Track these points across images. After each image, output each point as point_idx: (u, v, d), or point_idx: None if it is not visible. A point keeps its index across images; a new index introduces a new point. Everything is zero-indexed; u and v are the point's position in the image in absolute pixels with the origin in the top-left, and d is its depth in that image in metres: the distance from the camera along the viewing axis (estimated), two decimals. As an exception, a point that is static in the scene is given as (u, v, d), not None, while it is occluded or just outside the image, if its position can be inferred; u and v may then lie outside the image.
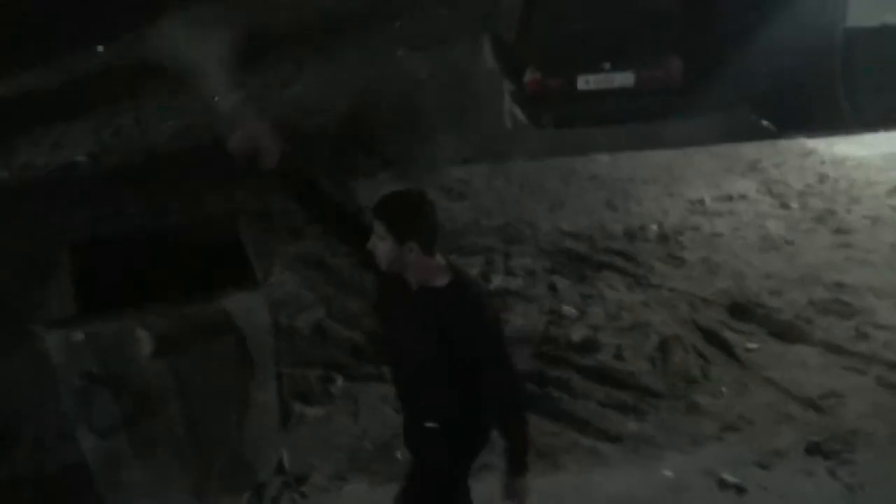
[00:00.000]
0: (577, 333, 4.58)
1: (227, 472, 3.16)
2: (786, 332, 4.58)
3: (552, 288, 5.12)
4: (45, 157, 8.20)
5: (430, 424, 2.67)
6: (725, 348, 4.51)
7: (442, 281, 2.57)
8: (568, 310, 4.81)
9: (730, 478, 3.65)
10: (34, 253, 5.40)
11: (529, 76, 6.89)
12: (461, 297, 2.57)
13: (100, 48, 11.79)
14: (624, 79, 6.83)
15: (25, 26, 10.40)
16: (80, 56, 10.59)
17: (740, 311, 4.79)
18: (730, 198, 6.18)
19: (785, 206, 6.09)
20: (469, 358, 2.54)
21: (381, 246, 2.53)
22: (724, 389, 4.22)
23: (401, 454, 3.53)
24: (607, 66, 6.81)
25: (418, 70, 10.01)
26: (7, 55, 10.21)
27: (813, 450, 3.79)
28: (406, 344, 2.66)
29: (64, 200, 7.21)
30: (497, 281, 5.23)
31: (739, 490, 3.60)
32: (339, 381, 4.36)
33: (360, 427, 4.03)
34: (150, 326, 2.89)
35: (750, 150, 6.79)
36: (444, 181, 6.89)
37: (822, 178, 6.45)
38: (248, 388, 3.08)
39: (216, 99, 2.76)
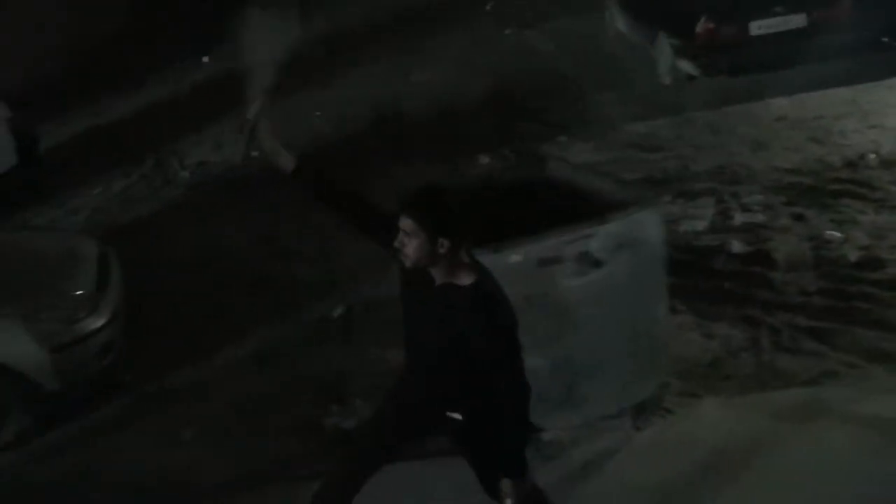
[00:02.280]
0: (853, 254, 4.72)
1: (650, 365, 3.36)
2: None
3: (799, 218, 5.28)
4: (216, 156, 8.51)
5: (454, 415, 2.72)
6: None
7: (466, 280, 2.56)
8: (831, 234, 4.95)
9: None
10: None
11: (702, 26, 7.02)
12: (483, 298, 2.55)
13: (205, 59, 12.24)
14: (797, 20, 6.93)
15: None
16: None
17: None
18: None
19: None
20: (481, 358, 2.55)
21: (411, 243, 2.51)
22: None
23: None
24: (780, 8, 6.92)
25: (540, 45, 10.24)
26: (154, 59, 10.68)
27: None
28: (422, 336, 2.69)
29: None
30: (739, 217, 5.39)
31: None
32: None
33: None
34: (576, 247, 3.09)
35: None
36: (629, 138, 7.09)
37: None
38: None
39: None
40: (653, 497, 3.35)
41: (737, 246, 5.06)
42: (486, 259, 2.98)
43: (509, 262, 3.06)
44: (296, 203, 6.66)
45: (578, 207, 3.52)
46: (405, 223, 2.51)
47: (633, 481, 3.43)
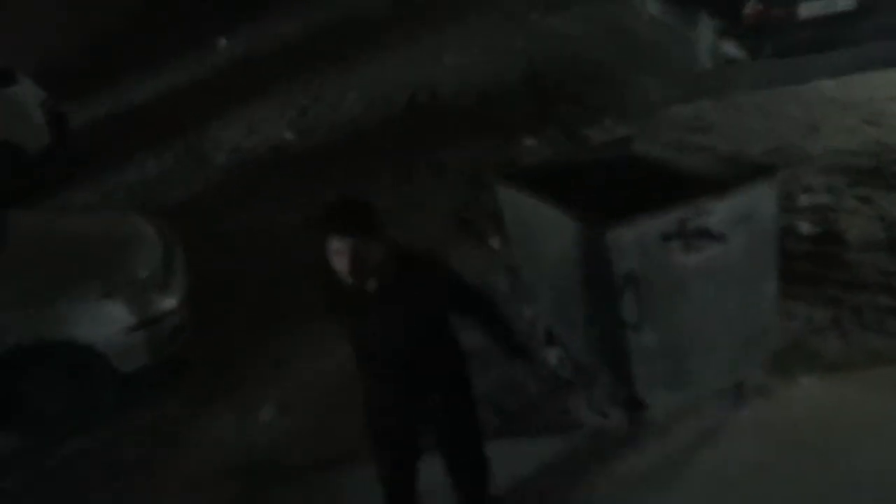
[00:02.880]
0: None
1: (756, 343, 3.35)
2: None
3: (865, 199, 5.26)
4: (248, 140, 8.43)
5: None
6: None
7: (395, 268, 2.71)
8: (902, 215, 4.94)
9: None
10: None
11: (751, 8, 6.97)
12: (421, 274, 2.79)
13: (223, 41, 12.11)
14: (845, 3, 6.90)
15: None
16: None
17: None
18: None
19: None
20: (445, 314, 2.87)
21: (348, 257, 2.59)
22: None
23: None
24: (828, -10, 6.88)
25: (569, 29, 10.17)
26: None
27: None
28: (391, 335, 2.80)
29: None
30: (804, 199, 5.36)
31: None
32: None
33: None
34: (696, 222, 3.05)
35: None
36: (676, 120, 7.05)
37: None
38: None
39: None
40: (757, 475, 3.35)
41: (805, 227, 5.04)
42: (610, 234, 3.00)
43: (631, 237, 3.03)
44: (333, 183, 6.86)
45: (676, 184, 3.51)
46: (338, 244, 2.61)
47: (736, 459, 3.42)
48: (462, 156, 7.14)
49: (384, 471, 3.20)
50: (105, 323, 4.25)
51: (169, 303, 4.43)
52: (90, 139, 8.69)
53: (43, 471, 4.19)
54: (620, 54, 8.83)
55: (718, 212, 3.06)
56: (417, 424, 3.10)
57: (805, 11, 6.97)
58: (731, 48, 7.45)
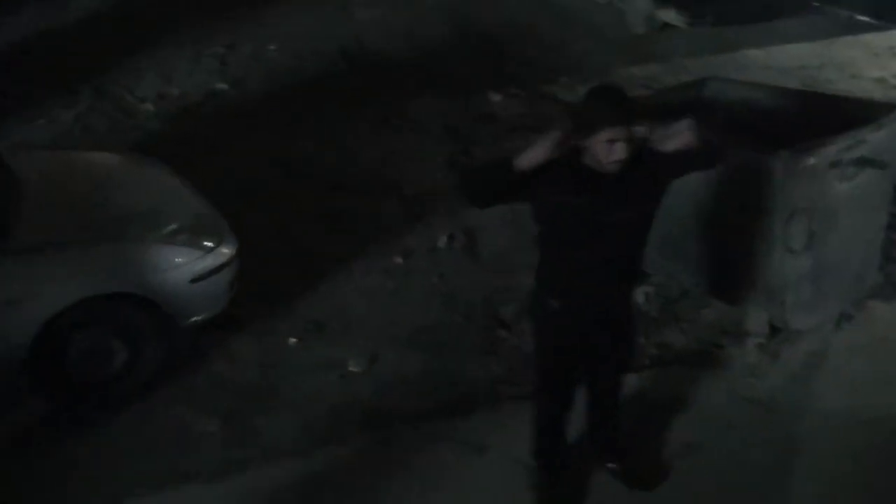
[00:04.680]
0: None
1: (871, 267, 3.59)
2: None
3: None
4: (171, 88, 7.62)
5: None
6: None
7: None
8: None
9: None
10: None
11: (696, -25, 7.40)
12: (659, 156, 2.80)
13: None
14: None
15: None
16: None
17: None
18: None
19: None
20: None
21: (624, 145, 2.67)
22: None
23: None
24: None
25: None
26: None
27: None
28: (617, 228, 2.80)
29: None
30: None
31: None
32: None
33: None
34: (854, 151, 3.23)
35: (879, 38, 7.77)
36: (633, 80, 7.32)
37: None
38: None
39: None
40: (865, 390, 3.65)
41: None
42: (785, 161, 3.10)
43: (805, 164, 3.15)
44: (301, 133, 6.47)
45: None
46: (616, 132, 2.64)
47: (843, 378, 3.71)
48: (428, 110, 7.00)
49: (545, 394, 3.11)
50: (163, 271, 3.73)
51: (227, 251, 3.96)
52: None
53: (102, 438, 3.64)
54: (544, 19, 9.05)
55: (872, 141, 3.29)
56: (592, 342, 3.03)
57: (747, -20, 7.55)
58: (670, 15, 7.88)
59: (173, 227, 3.86)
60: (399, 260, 4.79)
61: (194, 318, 3.87)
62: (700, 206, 3.56)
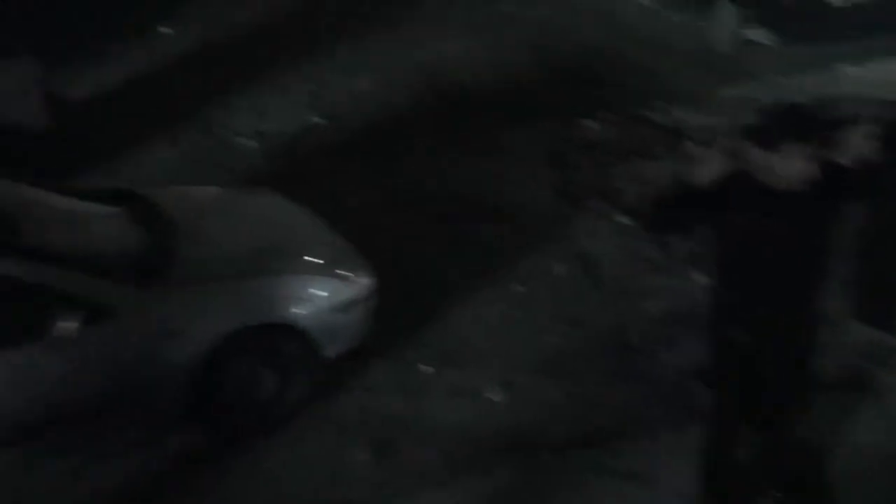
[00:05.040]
0: None
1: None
2: None
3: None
4: (269, 126, 7.84)
5: None
6: None
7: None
8: None
9: None
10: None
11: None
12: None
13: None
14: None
15: None
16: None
17: None
18: None
19: None
20: None
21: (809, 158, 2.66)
22: None
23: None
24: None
25: (554, 18, 10.25)
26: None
27: None
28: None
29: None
30: None
31: None
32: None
33: None
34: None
35: None
36: (732, 102, 7.25)
37: None
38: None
39: None
40: None
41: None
42: None
43: None
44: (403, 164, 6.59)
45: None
46: (804, 149, 2.61)
47: None
48: (524, 138, 7.05)
49: (716, 422, 3.05)
50: (312, 300, 3.83)
51: (367, 282, 4.05)
52: (86, 120, 7.78)
53: (254, 465, 3.73)
54: (626, 44, 9.07)
55: None
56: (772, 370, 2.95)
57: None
58: (758, 33, 7.83)
59: (316, 259, 3.97)
60: (519, 287, 4.83)
61: (337, 348, 3.95)
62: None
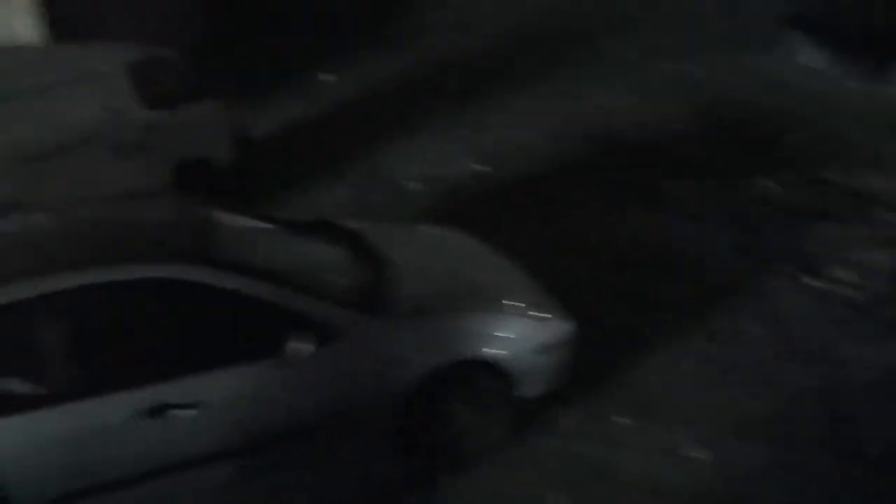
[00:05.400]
0: None
1: None
2: None
3: None
4: (434, 170, 8.08)
5: None
6: None
7: None
8: None
9: None
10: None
11: None
12: None
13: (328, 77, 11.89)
14: None
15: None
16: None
17: None
18: None
19: None
20: None
21: None
22: None
23: None
24: None
25: (712, 77, 10.14)
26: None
27: None
28: None
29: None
30: None
31: None
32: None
33: None
34: None
35: None
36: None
37: None
38: None
39: None
40: None
41: None
42: None
43: None
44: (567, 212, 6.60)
45: None
46: None
47: None
48: (693, 193, 6.93)
49: None
50: (517, 342, 3.84)
51: (567, 326, 4.03)
52: (264, 158, 8.23)
53: (453, 499, 3.73)
54: (795, 104, 8.83)
55: None
56: None
57: None
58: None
59: (520, 299, 3.99)
60: (710, 345, 4.69)
61: (534, 390, 3.93)
62: None
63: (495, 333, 3.79)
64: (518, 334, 3.85)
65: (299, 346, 3.30)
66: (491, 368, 3.78)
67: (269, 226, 4.24)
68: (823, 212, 6.13)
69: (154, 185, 6.57)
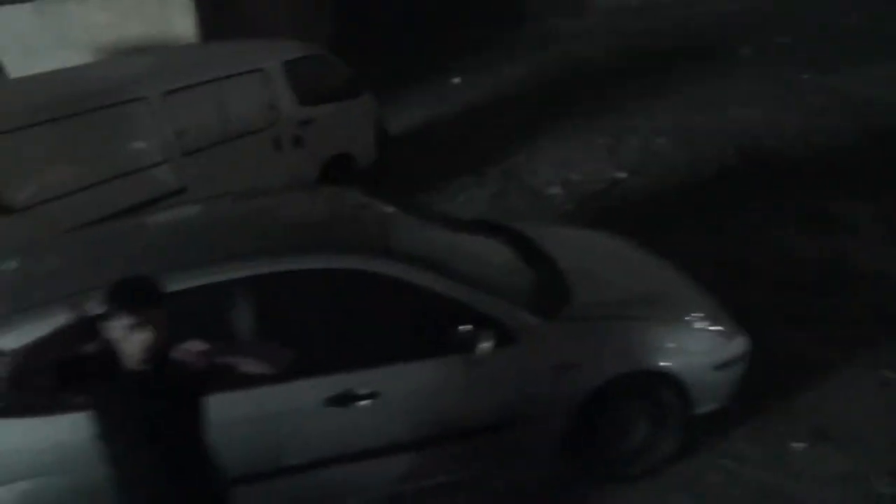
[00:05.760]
0: None
1: None
2: None
3: None
4: (572, 175, 7.99)
5: None
6: None
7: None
8: None
9: None
10: None
11: None
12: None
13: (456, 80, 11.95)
14: None
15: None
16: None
17: None
18: None
19: None
20: None
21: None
22: None
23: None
24: None
25: (861, 91, 9.62)
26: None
27: None
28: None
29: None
30: None
31: None
32: None
33: None
34: None
35: None
36: None
37: None
38: None
39: None
40: None
41: None
42: None
43: None
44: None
45: None
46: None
47: None
48: (863, 211, 6.54)
49: None
50: (697, 356, 3.68)
51: (744, 342, 3.84)
52: (401, 154, 8.32)
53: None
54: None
55: None
56: None
57: None
58: None
59: (699, 312, 3.84)
60: (891, 374, 4.39)
61: (709, 406, 3.78)
62: None
63: (676, 346, 3.65)
64: (699, 348, 3.69)
65: (482, 346, 3.27)
66: (669, 382, 3.64)
67: (437, 222, 4.25)
68: None
69: (305, 179, 6.75)
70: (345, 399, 3.27)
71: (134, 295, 2.40)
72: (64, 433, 3.06)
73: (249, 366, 2.52)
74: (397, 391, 3.32)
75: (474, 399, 3.41)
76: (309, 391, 3.26)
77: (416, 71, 12.00)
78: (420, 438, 3.40)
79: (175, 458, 2.52)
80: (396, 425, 3.37)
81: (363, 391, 3.29)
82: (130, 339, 2.38)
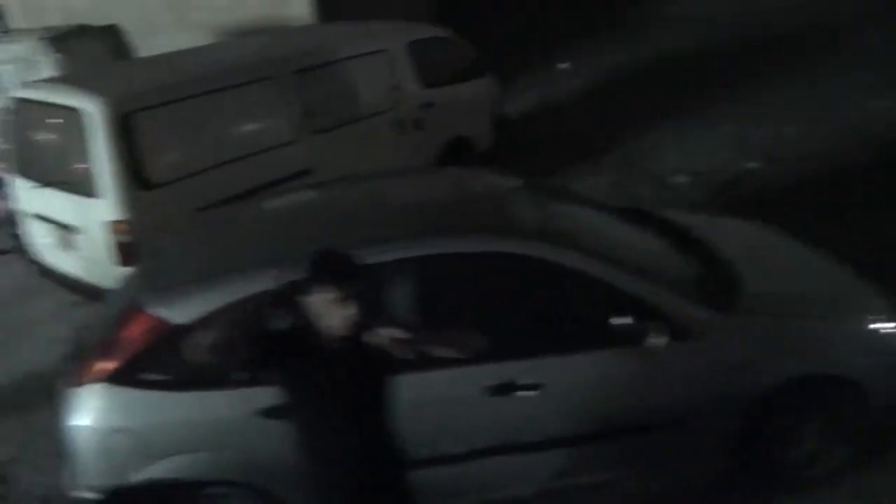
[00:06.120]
0: None
1: None
2: None
3: None
4: (699, 165, 7.68)
5: None
6: None
7: None
8: None
9: None
10: None
11: None
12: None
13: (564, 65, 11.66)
14: None
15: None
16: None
17: None
18: None
19: None
20: None
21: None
22: None
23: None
24: None
25: None
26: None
27: None
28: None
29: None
30: None
31: None
32: None
33: None
34: None
35: None
36: None
37: None
38: None
39: None
40: None
41: None
42: None
43: None
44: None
45: None
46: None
47: None
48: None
49: None
50: (882, 356, 3.39)
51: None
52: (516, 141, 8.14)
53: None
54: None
55: None
56: None
57: None
58: None
59: (879, 313, 3.54)
60: None
61: (890, 414, 3.49)
62: None
63: (858, 347, 3.38)
64: (881, 349, 3.41)
65: (655, 341, 3.07)
66: (850, 387, 3.36)
67: (591, 207, 4.05)
68: None
69: (426, 161, 6.65)
70: (506, 389, 3.13)
71: (339, 268, 2.31)
72: (222, 408, 3.03)
73: (444, 353, 2.40)
74: (562, 383, 3.15)
75: (642, 395, 3.20)
76: (470, 379, 3.12)
77: (522, 55, 11.77)
78: (582, 433, 3.22)
79: (371, 431, 2.45)
80: (558, 419, 3.19)
81: (526, 381, 3.14)
82: (333, 314, 2.29)
